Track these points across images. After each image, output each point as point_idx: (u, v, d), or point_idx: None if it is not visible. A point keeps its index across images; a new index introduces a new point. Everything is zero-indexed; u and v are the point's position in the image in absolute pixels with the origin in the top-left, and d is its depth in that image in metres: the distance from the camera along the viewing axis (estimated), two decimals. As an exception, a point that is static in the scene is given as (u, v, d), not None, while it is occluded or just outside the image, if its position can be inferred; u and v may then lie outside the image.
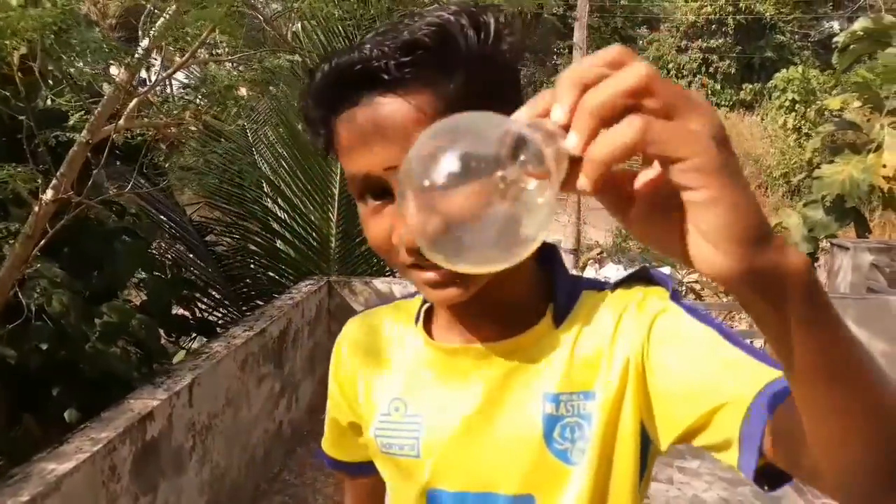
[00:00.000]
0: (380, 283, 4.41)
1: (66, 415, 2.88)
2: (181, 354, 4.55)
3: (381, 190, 0.65)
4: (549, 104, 0.40)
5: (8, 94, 3.02)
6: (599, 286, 0.78)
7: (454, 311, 0.77)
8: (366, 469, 0.91)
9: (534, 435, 0.72)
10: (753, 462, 0.59)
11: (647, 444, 0.72)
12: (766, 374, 0.62)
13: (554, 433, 0.72)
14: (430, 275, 0.66)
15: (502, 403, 0.74)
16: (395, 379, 0.82)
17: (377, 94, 0.63)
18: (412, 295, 0.88)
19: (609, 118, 0.38)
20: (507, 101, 0.61)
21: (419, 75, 0.62)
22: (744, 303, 0.44)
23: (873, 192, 4.45)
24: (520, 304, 0.76)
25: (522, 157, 0.38)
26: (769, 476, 0.60)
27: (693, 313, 0.70)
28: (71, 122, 3.15)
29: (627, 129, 0.37)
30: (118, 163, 4.35)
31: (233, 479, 2.94)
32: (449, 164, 0.38)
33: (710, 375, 0.64)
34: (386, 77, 0.62)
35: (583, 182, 0.39)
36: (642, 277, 0.77)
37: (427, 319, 0.81)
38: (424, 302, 0.82)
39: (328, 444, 0.95)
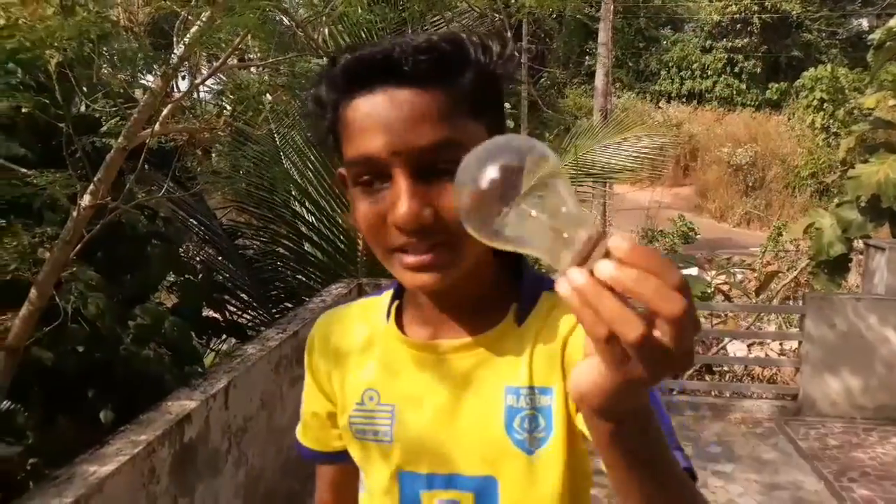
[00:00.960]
0: (409, 286, 4.41)
1: (101, 416, 2.91)
2: (210, 356, 4.59)
3: (378, 174, 0.72)
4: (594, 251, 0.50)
5: (46, 100, 3.07)
6: None
7: (424, 307, 0.85)
8: (338, 457, 0.97)
9: (496, 424, 0.80)
10: None
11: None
12: None
13: (514, 423, 0.80)
14: (413, 258, 0.73)
15: (468, 394, 0.82)
16: (367, 371, 0.89)
17: (392, 86, 0.71)
18: (379, 293, 0.95)
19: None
20: (494, 114, 0.77)
21: (432, 74, 0.70)
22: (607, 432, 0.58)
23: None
24: (485, 303, 0.83)
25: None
26: None
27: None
28: (105, 128, 3.20)
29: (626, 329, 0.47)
30: (147, 167, 4.40)
31: (267, 482, 2.95)
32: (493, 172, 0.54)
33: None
34: (405, 69, 0.69)
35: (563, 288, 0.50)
36: None
37: (398, 316, 0.89)
38: (393, 300, 0.90)
39: (305, 436, 1.00)
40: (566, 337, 0.80)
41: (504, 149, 0.55)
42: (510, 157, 0.54)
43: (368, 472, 0.89)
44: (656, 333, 0.47)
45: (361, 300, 0.98)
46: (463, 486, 0.82)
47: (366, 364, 0.90)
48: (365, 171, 0.73)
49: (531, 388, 0.80)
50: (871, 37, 4.63)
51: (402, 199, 0.70)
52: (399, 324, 0.88)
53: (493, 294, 0.84)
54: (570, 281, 0.49)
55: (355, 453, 0.91)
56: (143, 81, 3.45)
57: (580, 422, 0.76)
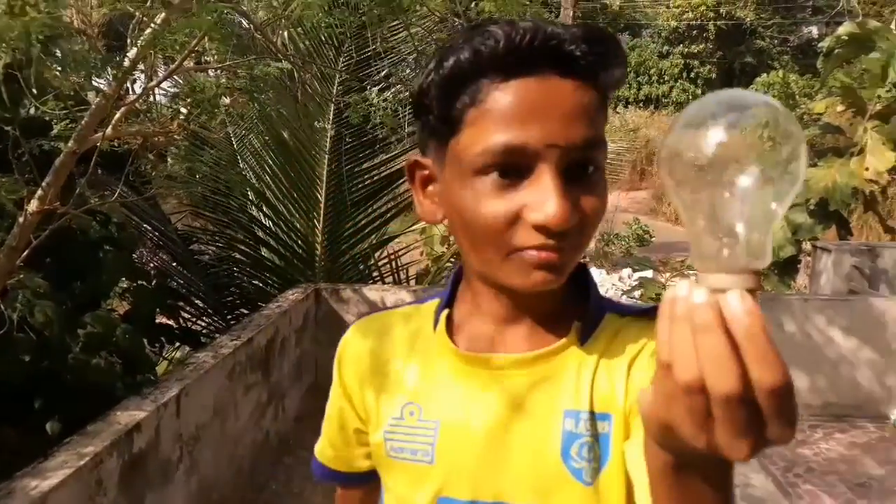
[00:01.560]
0: (369, 291, 4.39)
1: (47, 426, 2.84)
2: (163, 365, 4.51)
3: (518, 167, 0.66)
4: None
5: (-9, 103, 2.99)
6: (621, 310, 0.79)
7: (484, 317, 0.77)
8: (360, 479, 0.91)
9: (552, 449, 0.72)
10: None
11: None
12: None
13: (571, 450, 0.72)
14: (544, 254, 0.66)
15: (523, 414, 0.74)
16: (408, 383, 0.81)
17: (555, 74, 0.65)
18: (422, 301, 0.88)
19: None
20: (607, 118, 0.72)
21: (596, 68, 0.66)
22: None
23: (856, 195, 4.50)
24: (548, 317, 0.76)
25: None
26: None
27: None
28: (55, 131, 3.13)
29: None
30: (99, 171, 4.32)
31: (220, 491, 2.91)
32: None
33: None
34: (579, 57, 0.64)
35: None
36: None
37: (447, 326, 0.80)
38: (443, 308, 0.81)
39: (325, 454, 0.93)
40: (632, 360, 0.73)
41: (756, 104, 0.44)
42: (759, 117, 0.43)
43: (401, 495, 0.81)
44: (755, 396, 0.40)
45: (402, 307, 0.89)
46: None
47: (407, 376, 0.81)
48: (504, 161, 0.66)
49: (592, 412, 0.73)
50: (820, 44, 4.75)
51: (554, 199, 0.64)
52: (449, 334, 0.80)
53: (558, 309, 0.77)
54: (690, 292, 0.41)
55: (387, 474, 0.82)
56: (95, 84, 3.39)
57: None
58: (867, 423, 4.19)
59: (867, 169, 4.35)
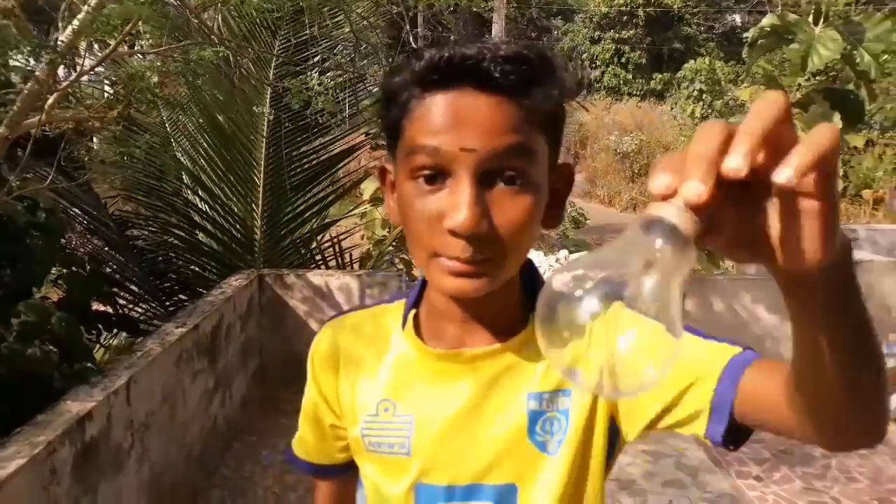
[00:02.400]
0: (313, 276, 4.39)
1: (-18, 419, 2.78)
2: (100, 352, 4.43)
3: (440, 169, 0.70)
4: (675, 182, 0.42)
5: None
6: None
7: (446, 316, 0.82)
8: (336, 471, 0.97)
9: (519, 429, 0.79)
10: (722, 429, 0.70)
11: (615, 436, 0.81)
12: (729, 351, 0.73)
13: (536, 426, 0.80)
14: (458, 265, 0.70)
15: (490, 402, 0.81)
16: (381, 381, 0.86)
17: (475, 89, 0.69)
18: (390, 300, 0.93)
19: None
20: (558, 133, 0.76)
21: (517, 85, 0.69)
22: (807, 296, 0.50)
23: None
24: (505, 313, 0.81)
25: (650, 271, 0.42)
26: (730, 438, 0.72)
27: None
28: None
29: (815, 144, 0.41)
30: (19, 153, 4.18)
31: (171, 477, 2.91)
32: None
33: (689, 358, 0.73)
34: (493, 76, 0.68)
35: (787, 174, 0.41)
36: None
37: (415, 325, 0.85)
38: (411, 308, 0.86)
39: (302, 448, 0.98)
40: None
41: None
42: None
43: (380, 486, 0.86)
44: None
45: (371, 308, 0.95)
46: (483, 496, 0.80)
47: (379, 374, 0.87)
48: (427, 163, 0.70)
49: (553, 392, 0.80)
50: (745, 34, 4.96)
51: (463, 205, 0.68)
52: (417, 333, 0.85)
53: (514, 304, 0.82)
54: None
55: (366, 466, 0.88)
56: (14, 63, 3.28)
57: (600, 418, 0.79)
58: (789, 394, 4.46)
59: (789, 154, 4.56)
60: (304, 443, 0.97)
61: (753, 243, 0.46)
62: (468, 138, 0.68)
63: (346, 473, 0.95)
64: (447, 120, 0.69)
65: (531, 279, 0.83)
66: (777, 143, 0.42)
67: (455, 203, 0.68)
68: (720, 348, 0.74)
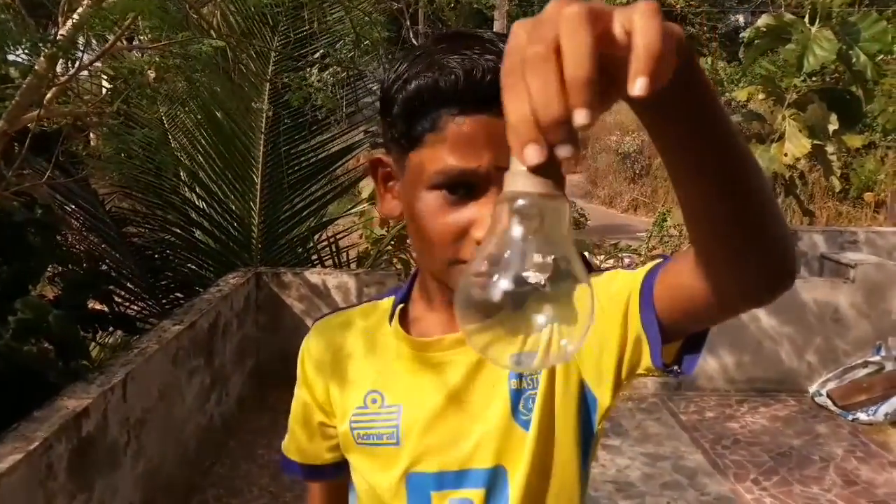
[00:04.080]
0: (311, 275, 4.38)
1: (-21, 415, 2.76)
2: (96, 350, 4.41)
3: (470, 186, 0.73)
4: (519, 147, 0.42)
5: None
6: None
7: (436, 308, 0.84)
8: (327, 473, 0.97)
9: (503, 410, 0.80)
10: (658, 345, 0.70)
11: (591, 404, 0.81)
12: (645, 269, 0.73)
13: (519, 405, 0.80)
14: None
15: (475, 385, 0.82)
16: (369, 374, 0.88)
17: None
18: (380, 298, 0.94)
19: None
20: None
21: None
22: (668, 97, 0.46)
23: (777, 180, 4.74)
24: None
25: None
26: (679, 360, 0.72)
27: (598, 270, 0.82)
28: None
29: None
30: (15, 148, 4.16)
31: (167, 474, 2.90)
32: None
33: (614, 298, 0.74)
34: None
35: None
36: None
37: (402, 318, 0.88)
38: (399, 302, 0.89)
39: (293, 449, 0.98)
40: None
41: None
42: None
43: (371, 479, 0.87)
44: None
45: (361, 305, 0.96)
46: (474, 481, 0.81)
47: (368, 367, 0.88)
48: (454, 180, 0.72)
49: None
50: (741, 34, 4.96)
51: None
52: (404, 326, 0.87)
53: None
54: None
55: (356, 459, 0.89)
56: (13, 58, 3.26)
57: (570, 385, 0.79)
58: (788, 398, 4.45)
59: (786, 155, 4.58)
60: (295, 444, 0.97)
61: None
62: (503, 158, 0.69)
63: (337, 475, 0.96)
64: (485, 141, 0.71)
65: None
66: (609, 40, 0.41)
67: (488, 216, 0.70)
68: (636, 273, 0.73)
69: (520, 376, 0.80)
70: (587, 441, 0.82)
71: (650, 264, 0.73)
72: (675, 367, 0.73)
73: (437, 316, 0.84)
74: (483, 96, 0.70)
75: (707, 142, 0.52)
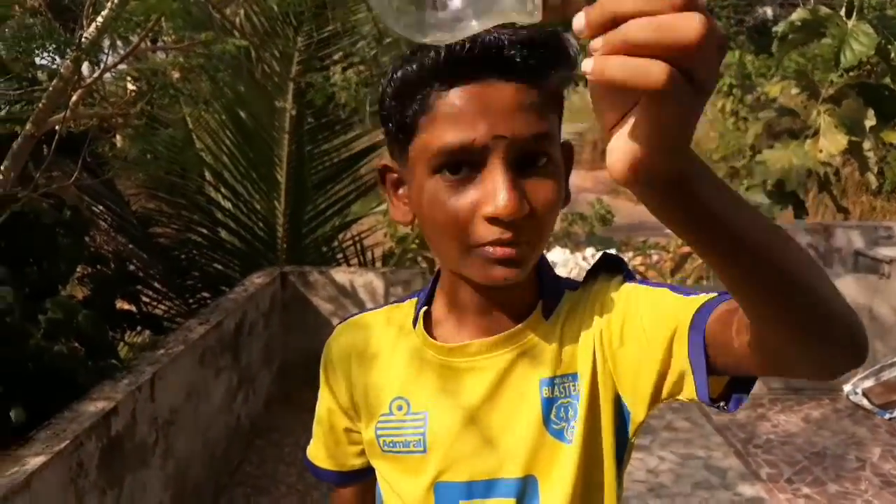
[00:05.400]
0: (337, 274, 4.36)
1: (11, 414, 2.79)
2: (124, 349, 4.44)
3: (471, 162, 0.70)
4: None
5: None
6: (575, 286, 0.85)
7: (461, 310, 0.82)
8: (354, 478, 0.94)
9: (535, 418, 0.78)
10: (705, 383, 0.67)
11: (626, 417, 0.78)
12: (699, 301, 0.69)
13: (551, 414, 0.78)
14: (502, 250, 0.70)
15: (504, 392, 0.79)
16: (394, 380, 0.85)
17: (497, 78, 0.69)
18: (402, 300, 0.92)
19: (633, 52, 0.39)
20: (562, 113, 0.76)
21: (539, 69, 0.69)
22: (661, 203, 0.46)
23: (810, 177, 4.65)
24: (520, 301, 0.81)
25: None
26: (727, 395, 0.69)
27: (645, 283, 0.79)
28: (3, 112, 3.03)
29: (652, 67, 0.38)
30: (44, 151, 4.19)
31: (195, 473, 2.90)
32: None
33: (661, 322, 0.71)
34: (518, 63, 0.68)
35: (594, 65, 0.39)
36: (602, 265, 0.85)
37: (425, 322, 0.85)
38: (422, 305, 0.86)
39: (318, 455, 0.96)
40: (589, 323, 0.78)
41: None
42: None
43: (398, 488, 0.84)
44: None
45: (383, 308, 0.93)
46: (504, 491, 0.79)
47: (392, 373, 0.85)
48: (451, 159, 0.70)
49: (563, 375, 0.79)
50: (775, 28, 4.87)
51: (503, 190, 0.68)
52: (428, 330, 0.84)
53: (522, 293, 0.81)
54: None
55: (383, 467, 0.86)
56: (40, 61, 3.28)
57: (608, 398, 0.77)
58: (822, 397, 4.35)
59: (821, 151, 4.49)
60: (320, 450, 0.95)
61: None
62: (500, 126, 0.68)
63: (363, 480, 0.93)
64: (478, 112, 0.68)
65: (541, 263, 0.83)
66: None
67: (493, 190, 0.68)
68: (687, 302, 0.70)
69: (551, 384, 0.78)
70: (621, 451, 0.80)
71: (703, 297, 0.69)
72: (721, 403, 0.70)
73: (461, 318, 0.82)
74: (469, 65, 0.68)
75: (726, 250, 0.49)
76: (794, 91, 4.85)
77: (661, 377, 0.72)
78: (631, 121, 0.42)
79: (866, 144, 4.40)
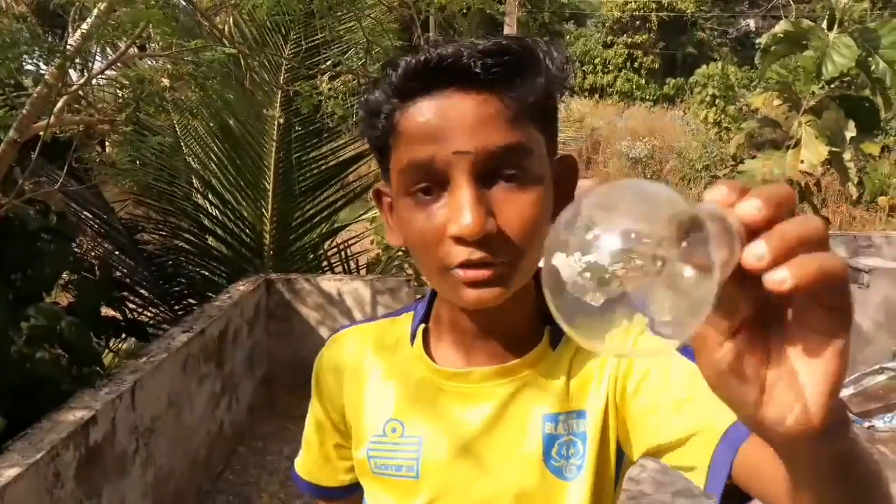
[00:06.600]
0: (323, 281, 4.37)
1: (-8, 421, 2.78)
2: (109, 357, 4.43)
3: (436, 181, 0.67)
4: (734, 197, 0.38)
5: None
6: None
7: (459, 331, 0.78)
8: (342, 493, 0.92)
9: (534, 453, 0.75)
10: (721, 487, 0.64)
11: (622, 457, 0.77)
12: (729, 420, 0.66)
13: (552, 451, 0.75)
14: (474, 272, 0.66)
15: (503, 424, 0.76)
16: (389, 400, 0.82)
17: (457, 90, 0.66)
18: (397, 314, 0.89)
19: (793, 253, 0.36)
20: (552, 124, 0.72)
21: (501, 78, 0.66)
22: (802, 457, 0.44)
23: (791, 187, 4.71)
24: (520, 327, 0.77)
25: (687, 243, 0.35)
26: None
27: None
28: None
29: (822, 261, 0.36)
30: (31, 157, 4.19)
31: (176, 481, 2.90)
32: (609, 240, 0.36)
33: (689, 404, 0.68)
34: (475, 73, 0.65)
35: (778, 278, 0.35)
36: None
37: (424, 341, 0.81)
38: (420, 322, 0.82)
39: (306, 469, 0.94)
40: (606, 363, 0.75)
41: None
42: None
43: None
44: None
45: (379, 321, 0.89)
46: None
47: (387, 392, 0.82)
48: (420, 177, 0.67)
49: (568, 413, 0.75)
50: (758, 40, 4.93)
51: (465, 208, 0.64)
52: (426, 349, 0.81)
53: (528, 318, 0.78)
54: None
55: (373, 490, 0.83)
56: (27, 67, 3.29)
57: (611, 439, 0.75)
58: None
59: (802, 161, 4.54)
60: (308, 464, 0.93)
61: (740, 380, 0.40)
62: (460, 141, 0.65)
63: (350, 496, 0.91)
64: (436, 126, 0.65)
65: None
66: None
67: (456, 208, 0.65)
68: (719, 411, 0.65)
69: (555, 421, 0.75)
70: (616, 488, 0.78)
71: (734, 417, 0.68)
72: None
73: (461, 341, 0.78)
74: (426, 78, 0.66)
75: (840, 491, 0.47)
76: (776, 102, 4.91)
77: (668, 449, 0.69)
78: (802, 365, 0.39)
79: (846, 155, 4.45)
